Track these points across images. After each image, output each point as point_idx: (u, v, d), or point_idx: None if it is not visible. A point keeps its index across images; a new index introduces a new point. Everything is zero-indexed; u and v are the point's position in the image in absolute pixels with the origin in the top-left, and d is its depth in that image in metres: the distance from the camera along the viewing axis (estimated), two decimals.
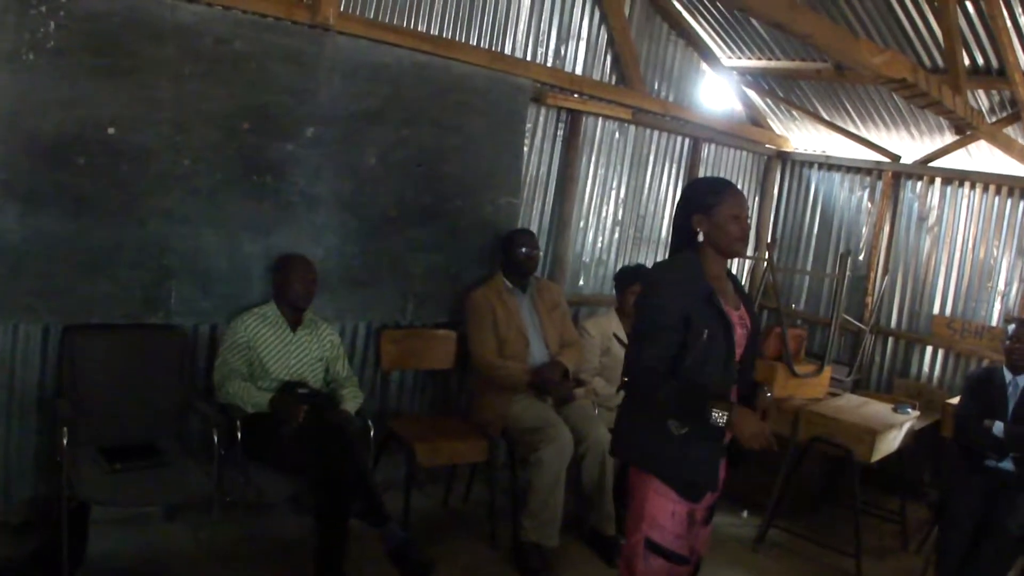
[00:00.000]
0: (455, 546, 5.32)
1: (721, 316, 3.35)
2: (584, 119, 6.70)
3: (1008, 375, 5.56)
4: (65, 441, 4.02)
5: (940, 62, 6.19)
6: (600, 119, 6.90)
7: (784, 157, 8.61)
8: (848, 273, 6.50)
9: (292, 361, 4.84)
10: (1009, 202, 7.14)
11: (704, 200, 3.42)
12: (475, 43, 5.98)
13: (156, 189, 4.58)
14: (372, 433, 4.98)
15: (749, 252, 8.57)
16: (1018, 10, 5.42)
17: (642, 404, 3.42)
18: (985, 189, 7.28)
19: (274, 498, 4.94)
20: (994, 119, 6.58)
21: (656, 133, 7.44)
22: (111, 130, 4.39)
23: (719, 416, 3.15)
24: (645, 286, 3.58)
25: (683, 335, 3.26)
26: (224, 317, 4.90)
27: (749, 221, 3.49)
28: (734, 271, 8.20)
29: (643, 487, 3.41)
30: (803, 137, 8.44)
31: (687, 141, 7.73)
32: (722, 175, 8.12)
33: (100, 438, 4.38)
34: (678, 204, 3.59)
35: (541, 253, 6.19)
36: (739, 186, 8.07)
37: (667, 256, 3.68)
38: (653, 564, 3.39)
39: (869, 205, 8.04)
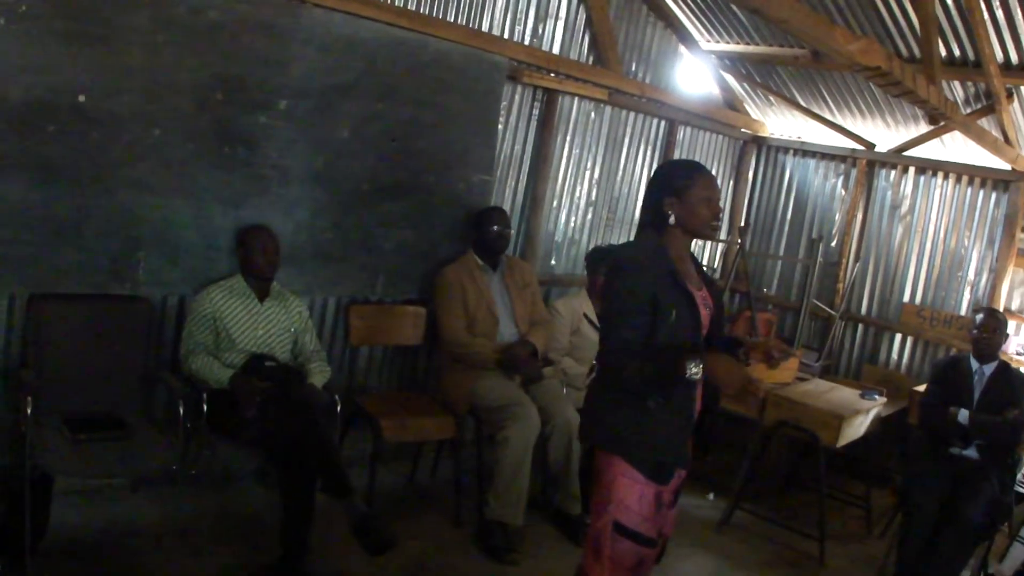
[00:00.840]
0: (420, 523, 5.33)
1: (686, 295, 3.35)
2: (560, 98, 6.69)
3: (975, 364, 5.63)
4: (29, 411, 3.97)
5: (917, 52, 6.20)
6: (576, 99, 6.89)
7: (759, 142, 8.64)
8: (820, 259, 6.54)
9: (260, 332, 4.82)
10: (981, 193, 7.21)
11: (676, 183, 3.41)
12: (452, 19, 5.93)
13: (126, 158, 4.52)
14: (339, 408, 4.98)
15: (722, 236, 8.59)
16: (995, 2, 5.44)
17: (615, 384, 3.40)
18: (958, 180, 7.35)
19: (239, 472, 4.94)
20: (969, 110, 6.61)
21: (632, 114, 7.44)
22: (82, 98, 4.32)
23: (694, 367, 3.12)
24: (610, 269, 3.56)
25: (652, 315, 3.26)
26: (193, 289, 4.86)
27: (721, 204, 3.48)
28: (705, 254, 8.29)
29: (610, 470, 3.40)
30: (779, 122, 8.46)
31: (663, 123, 7.74)
32: (697, 158, 8.15)
33: (65, 408, 4.33)
34: (649, 186, 3.58)
35: (513, 232, 6.20)
36: (714, 170, 8.19)
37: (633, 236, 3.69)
38: (621, 547, 3.38)
39: (843, 192, 8.08)
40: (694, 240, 3.55)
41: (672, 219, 3.41)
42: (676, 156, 7.86)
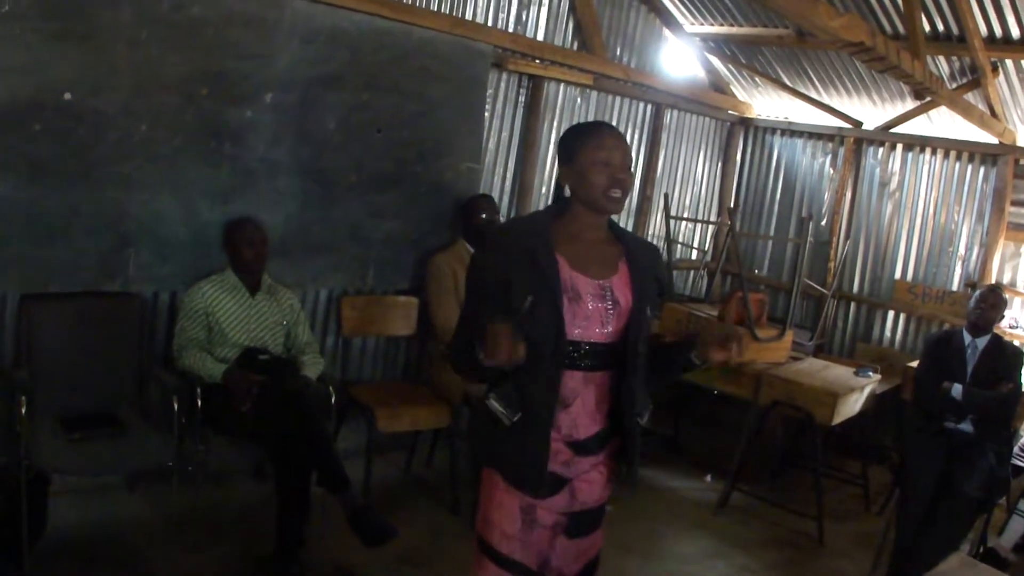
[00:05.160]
0: (417, 512, 5.35)
1: (544, 279, 2.68)
2: (545, 85, 6.69)
3: (968, 338, 5.62)
4: (23, 410, 3.99)
5: (900, 28, 6.20)
6: (562, 85, 6.89)
7: (747, 123, 8.63)
8: (810, 238, 6.52)
9: (252, 326, 4.82)
10: (969, 168, 7.22)
11: (567, 148, 2.83)
12: (436, 8, 5.91)
13: (113, 155, 4.53)
14: (333, 400, 4.97)
15: (712, 217, 8.59)
16: None
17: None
18: (946, 155, 7.36)
19: (235, 467, 4.94)
20: (954, 85, 6.62)
21: (618, 99, 7.44)
22: (67, 95, 4.32)
23: (480, 353, 2.57)
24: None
25: (504, 302, 2.67)
26: (183, 284, 4.86)
27: (629, 171, 2.83)
28: (696, 237, 8.25)
29: (484, 480, 2.92)
30: (766, 103, 8.47)
31: (649, 107, 7.74)
32: (684, 141, 8.18)
33: (59, 407, 4.34)
34: None
35: (502, 219, 6.19)
36: (701, 152, 8.19)
37: None
38: (484, 570, 2.87)
39: (831, 171, 8.09)
40: (607, 216, 2.88)
41: (568, 191, 2.86)
42: (664, 140, 7.90)
